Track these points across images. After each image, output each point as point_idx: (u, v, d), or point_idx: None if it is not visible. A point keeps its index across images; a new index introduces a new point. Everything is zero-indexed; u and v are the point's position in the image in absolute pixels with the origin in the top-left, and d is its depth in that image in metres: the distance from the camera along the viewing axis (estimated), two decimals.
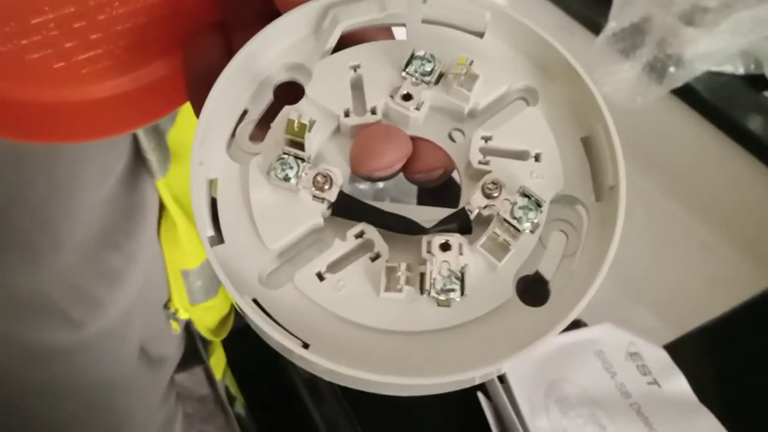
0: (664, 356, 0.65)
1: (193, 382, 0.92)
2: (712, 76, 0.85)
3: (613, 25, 0.86)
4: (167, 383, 0.67)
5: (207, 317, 0.64)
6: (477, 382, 0.24)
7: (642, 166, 0.83)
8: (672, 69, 0.85)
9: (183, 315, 0.61)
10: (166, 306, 0.60)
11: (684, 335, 0.68)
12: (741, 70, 0.88)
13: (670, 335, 0.68)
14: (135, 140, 0.47)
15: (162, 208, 0.53)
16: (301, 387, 0.64)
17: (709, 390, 0.62)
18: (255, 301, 0.24)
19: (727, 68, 0.87)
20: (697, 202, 0.88)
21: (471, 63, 0.26)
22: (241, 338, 0.68)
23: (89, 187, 0.45)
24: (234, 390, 0.74)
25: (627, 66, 0.87)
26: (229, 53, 0.30)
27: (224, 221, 0.26)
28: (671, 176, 0.89)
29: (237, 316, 0.67)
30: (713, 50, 0.84)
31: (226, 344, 0.71)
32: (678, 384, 0.63)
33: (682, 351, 0.65)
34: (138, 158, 0.48)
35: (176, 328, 0.63)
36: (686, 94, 0.85)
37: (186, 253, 0.55)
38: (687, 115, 0.87)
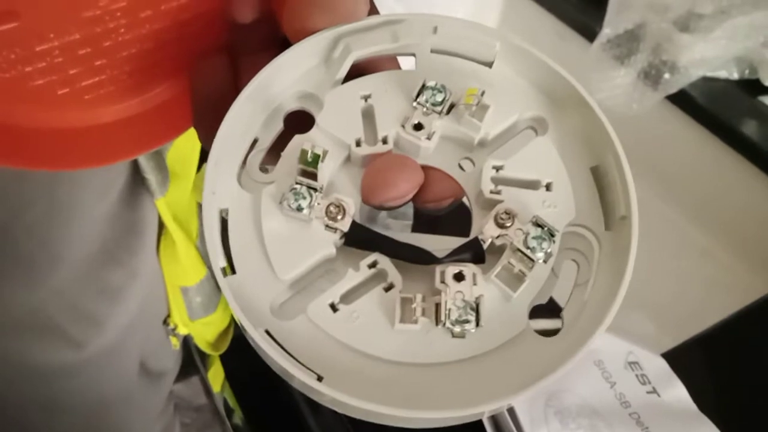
0: (663, 365, 0.65)
1: (191, 392, 0.92)
2: (707, 81, 0.86)
3: (607, 31, 0.87)
4: (166, 396, 0.67)
5: (206, 332, 0.64)
6: (491, 413, 0.24)
7: (638, 173, 0.82)
8: (667, 75, 0.85)
9: (182, 330, 0.61)
10: (165, 322, 0.60)
11: (682, 343, 0.68)
12: (736, 76, 0.88)
13: (668, 342, 0.68)
14: (134, 160, 0.47)
15: (161, 225, 0.53)
16: (299, 399, 0.64)
17: (709, 398, 0.62)
18: (267, 332, 0.24)
19: (722, 74, 0.88)
20: (694, 207, 0.88)
21: (483, 93, 0.26)
22: (239, 351, 0.67)
23: (89, 206, 0.45)
24: (232, 402, 0.74)
25: (622, 72, 0.87)
26: (235, 78, 0.30)
27: (236, 251, 0.25)
28: (668, 182, 0.89)
29: (236, 328, 0.67)
30: (708, 56, 0.84)
31: (224, 357, 0.71)
32: (677, 393, 0.64)
33: (681, 359, 0.65)
34: (137, 177, 0.48)
35: (176, 343, 0.62)
36: (681, 99, 0.86)
37: (185, 270, 0.55)
38: (682, 120, 0.87)
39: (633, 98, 0.86)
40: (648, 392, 0.64)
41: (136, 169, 0.47)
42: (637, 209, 0.24)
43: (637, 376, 0.65)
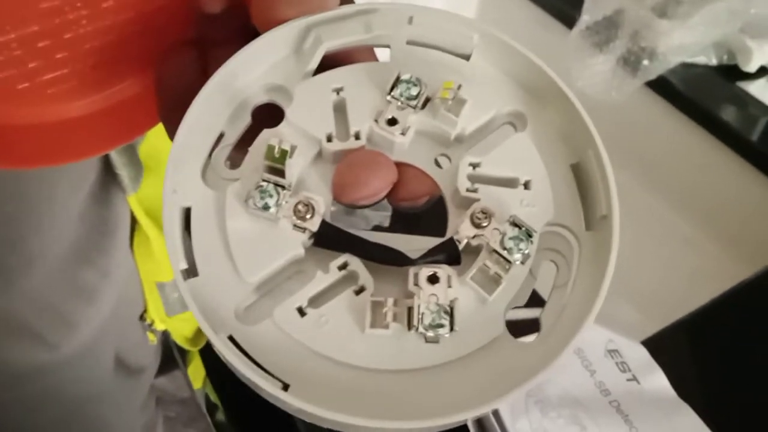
0: (643, 352, 0.65)
1: (175, 386, 0.91)
2: (685, 67, 0.86)
3: (586, 18, 0.86)
4: (147, 391, 0.66)
5: (184, 327, 0.63)
6: (469, 422, 0.23)
7: (619, 160, 0.82)
8: (646, 61, 0.85)
9: (159, 326, 0.60)
10: (142, 317, 0.59)
11: (662, 330, 0.68)
12: (714, 62, 0.88)
13: (652, 329, 0.68)
14: (105, 155, 0.45)
15: (134, 221, 0.52)
16: None
17: (688, 384, 0.63)
18: (231, 338, 0.23)
19: (701, 60, 0.88)
20: (675, 194, 0.88)
21: (459, 87, 0.25)
22: None
23: (59, 203, 0.44)
24: (214, 398, 0.73)
25: (601, 59, 0.86)
26: (204, 72, 0.29)
27: (198, 252, 0.24)
28: (649, 169, 0.89)
29: None
30: (687, 42, 0.84)
31: (204, 352, 0.70)
32: (657, 380, 0.64)
33: (660, 345, 0.65)
34: (109, 172, 0.47)
35: (153, 339, 0.62)
36: (661, 86, 0.86)
37: (161, 266, 0.54)
38: (662, 107, 0.87)
39: (612, 85, 0.85)
40: (628, 380, 0.64)
41: (107, 164, 0.46)
42: (618, 208, 0.24)
43: (617, 364, 0.65)
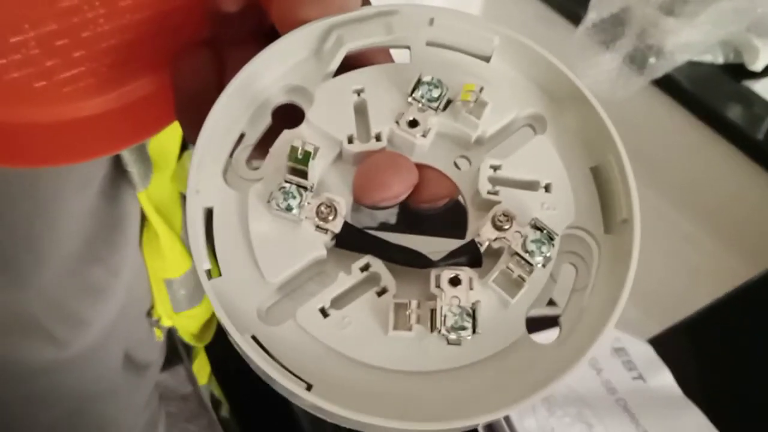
0: (649, 351, 0.66)
1: (177, 382, 0.91)
2: (692, 66, 0.86)
3: (592, 16, 0.86)
4: (152, 387, 0.66)
5: (191, 324, 0.63)
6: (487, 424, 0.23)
7: None
8: (652, 59, 0.85)
9: (166, 323, 0.60)
10: (149, 314, 0.59)
11: (668, 329, 0.68)
12: (721, 60, 0.88)
13: (654, 327, 0.68)
14: None
15: (143, 218, 0.52)
16: None
17: (694, 382, 0.63)
18: (254, 338, 0.23)
19: (707, 58, 0.88)
20: (680, 193, 0.88)
21: (481, 90, 0.25)
22: (225, 342, 0.66)
23: (70, 201, 0.44)
24: (219, 394, 0.73)
25: (607, 57, 0.86)
26: (220, 71, 0.29)
27: (221, 253, 0.24)
28: (653, 167, 0.89)
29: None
30: (693, 40, 0.84)
31: (209, 348, 0.70)
32: (663, 378, 0.64)
33: (666, 345, 0.65)
34: (118, 169, 0.47)
35: (159, 335, 0.62)
36: (667, 84, 0.86)
37: (169, 263, 0.54)
38: (667, 105, 0.87)
39: (618, 83, 0.86)
40: (634, 378, 0.65)
41: (117, 161, 0.46)
42: (639, 212, 0.24)
43: (623, 362, 0.65)
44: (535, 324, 0.24)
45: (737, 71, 0.87)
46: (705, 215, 0.86)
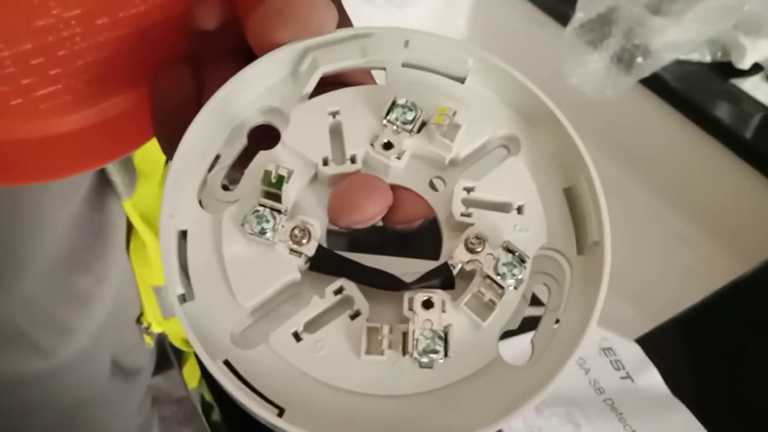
0: (637, 350, 0.66)
1: (170, 385, 0.91)
2: (679, 64, 0.86)
3: (580, 15, 0.86)
4: (143, 392, 0.66)
5: (181, 329, 0.63)
6: None
7: (613, 157, 0.83)
8: (640, 59, 0.85)
9: (156, 329, 0.60)
10: (139, 320, 0.59)
11: (656, 327, 0.69)
12: (708, 59, 0.88)
13: (646, 327, 0.68)
14: None
15: (130, 226, 0.52)
16: None
17: (682, 382, 0.63)
18: (227, 362, 0.23)
19: (695, 57, 0.88)
20: (669, 192, 0.88)
21: (454, 114, 0.25)
22: None
23: (53, 211, 0.44)
24: (209, 397, 0.73)
25: (595, 57, 0.86)
26: (198, 87, 0.28)
27: (195, 276, 0.24)
28: (643, 166, 0.89)
29: None
30: (681, 39, 0.84)
31: None
32: (651, 378, 0.64)
33: (654, 343, 0.66)
34: (103, 179, 0.47)
35: (149, 341, 0.62)
36: (654, 83, 0.86)
37: (157, 270, 0.54)
38: (656, 104, 0.87)
39: (606, 83, 0.86)
40: (622, 378, 0.65)
41: (101, 171, 0.46)
42: (609, 235, 0.24)
43: (611, 362, 0.66)
44: (508, 346, 0.24)
45: (725, 69, 0.87)
46: (694, 214, 0.86)
